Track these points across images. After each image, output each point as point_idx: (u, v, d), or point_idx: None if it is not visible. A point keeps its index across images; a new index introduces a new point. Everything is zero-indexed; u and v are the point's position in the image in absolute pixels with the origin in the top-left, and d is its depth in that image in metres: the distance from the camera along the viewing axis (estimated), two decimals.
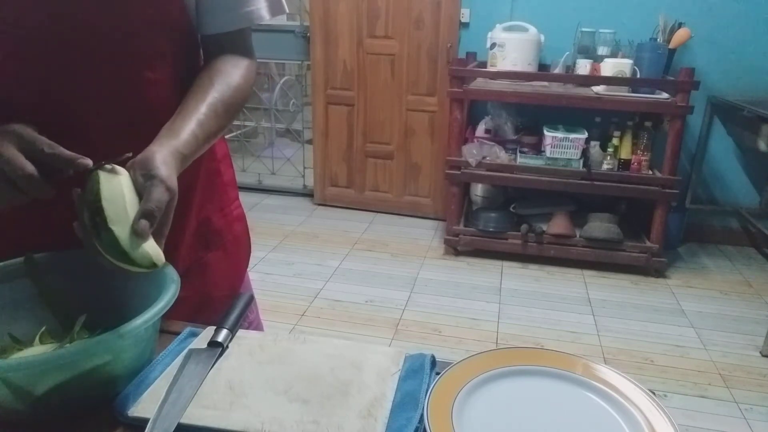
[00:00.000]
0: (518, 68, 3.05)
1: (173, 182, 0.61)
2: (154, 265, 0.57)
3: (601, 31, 3.07)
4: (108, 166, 0.60)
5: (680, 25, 3.00)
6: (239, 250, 0.97)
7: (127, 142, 0.65)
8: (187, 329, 0.73)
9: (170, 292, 0.62)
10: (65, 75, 0.70)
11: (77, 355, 0.55)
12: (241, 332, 0.72)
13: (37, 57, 0.69)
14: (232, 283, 0.96)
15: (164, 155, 0.62)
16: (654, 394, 0.61)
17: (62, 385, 0.55)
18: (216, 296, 0.91)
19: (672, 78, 2.96)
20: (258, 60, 0.86)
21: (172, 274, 0.66)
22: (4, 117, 0.67)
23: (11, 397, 0.55)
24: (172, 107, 0.72)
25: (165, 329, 0.69)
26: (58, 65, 0.69)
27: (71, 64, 0.69)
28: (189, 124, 0.68)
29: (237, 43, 0.80)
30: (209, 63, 0.79)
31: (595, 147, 3.02)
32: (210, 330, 0.71)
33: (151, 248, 0.57)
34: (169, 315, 0.63)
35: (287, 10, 0.85)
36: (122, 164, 0.62)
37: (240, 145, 4.42)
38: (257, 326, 0.99)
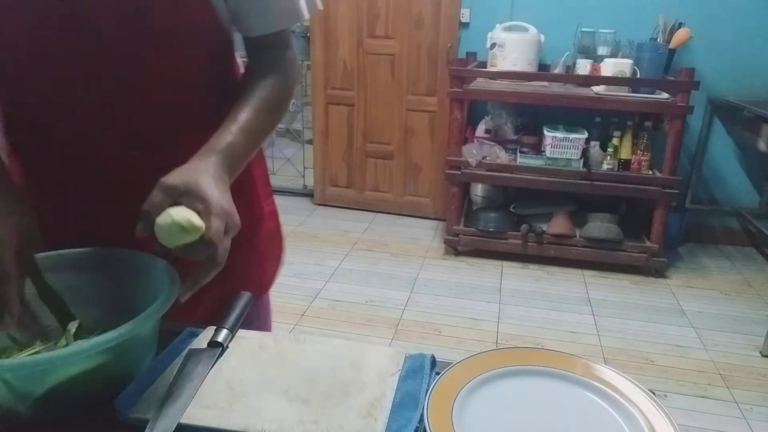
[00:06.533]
0: (518, 68, 3.05)
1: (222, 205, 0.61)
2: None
3: (601, 31, 3.07)
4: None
5: (680, 25, 3.00)
6: (270, 248, 0.97)
7: (156, 146, 0.66)
8: (187, 329, 0.73)
9: (170, 292, 0.62)
10: (90, 82, 0.71)
11: (77, 355, 0.55)
12: (241, 332, 0.72)
13: (63, 63, 0.70)
14: (260, 281, 0.95)
15: (206, 178, 0.62)
16: (654, 394, 0.61)
17: (62, 385, 0.55)
18: (250, 288, 0.91)
19: (672, 78, 2.96)
20: None
21: (173, 274, 0.66)
22: (29, 124, 0.72)
23: (11, 398, 0.55)
24: (202, 111, 0.72)
25: (165, 329, 0.69)
26: (83, 72, 0.70)
27: (95, 70, 0.70)
28: (231, 127, 0.70)
29: (278, 43, 0.80)
30: (250, 66, 0.80)
31: (595, 147, 3.02)
32: (210, 330, 0.71)
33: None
34: (192, 312, 0.63)
35: (321, 7, 0.85)
36: None
37: None
38: (265, 326, 0.99)
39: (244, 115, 0.72)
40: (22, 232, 0.65)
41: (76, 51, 0.69)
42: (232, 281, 0.89)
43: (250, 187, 0.91)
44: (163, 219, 0.57)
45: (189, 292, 0.61)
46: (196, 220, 0.57)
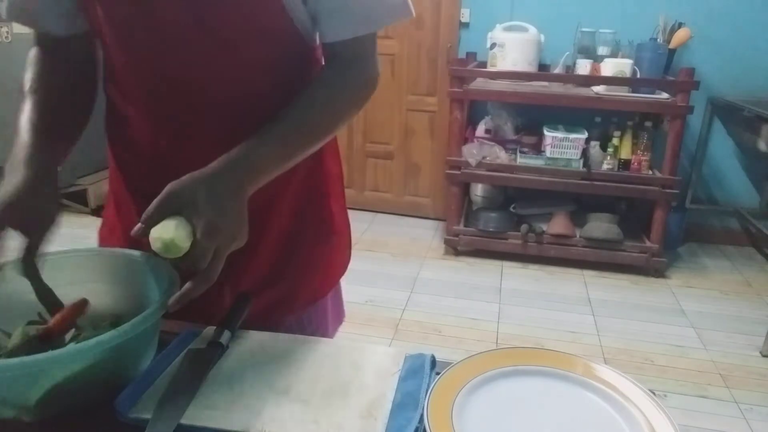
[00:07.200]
0: (518, 68, 3.05)
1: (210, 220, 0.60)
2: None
3: (601, 31, 3.07)
4: None
5: (680, 25, 3.00)
6: (333, 258, 0.93)
7: (232, 142, 0.66)
8: (187, 329, 0.73)
9: (167, 292, 0.62)
10: (166, 82, 0.72)
11: (77, 355, 0.55)
12: (241, 332, 0.72)
13: (144, 62, 0.72)
14: (317, 288, 0.92)
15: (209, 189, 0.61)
16: (654, 394, 0.61)
17: (62, 385, 0.55)
18: (302, 294, 0.89)
19: (672, 78, 2.96)
20: None
21: (172, 274, 0.66)
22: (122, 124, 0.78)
23: (11, 397, 0.55)
24: (276, 112, 0.71)
25: (165, 329, 0.69)
26: (160, 72, 0.72)
27: (170, 71, 0.71)
28: (266, 137, 0.68)
29: (350, 53, 0.75)
30: (316, 75, 0.76)
31: (595, 147, 3.02)
32: (210, 330, 0.71)
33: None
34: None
35: (414, 14, 0.76)
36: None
37: None
38: (320, 331, 0.95)
39: (283, 128, 0.70)
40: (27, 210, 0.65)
41: (154, 50, 0.70)
42: (288, 284, 0.87)
43: (321, 202, 0.89)
44: (155, 231, 0.59)
45: (177, 304, 0.61)
46: (182, 239, 0.58)
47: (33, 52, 0.80)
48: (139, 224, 0.60)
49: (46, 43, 0.79)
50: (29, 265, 0.68)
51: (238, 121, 0.75)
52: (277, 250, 0.85)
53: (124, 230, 0.84)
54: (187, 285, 0.62)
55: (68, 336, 0.66)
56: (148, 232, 0.59)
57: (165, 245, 0.58)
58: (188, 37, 0.69)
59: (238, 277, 0.79)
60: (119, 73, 0.76)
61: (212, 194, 0.61)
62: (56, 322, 0.64)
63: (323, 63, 0.79)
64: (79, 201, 3.59)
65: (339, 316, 1.03)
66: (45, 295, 0.69)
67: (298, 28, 0.73)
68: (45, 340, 0.62)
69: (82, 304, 0.67)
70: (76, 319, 0.66)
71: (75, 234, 3.47)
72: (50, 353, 0.54)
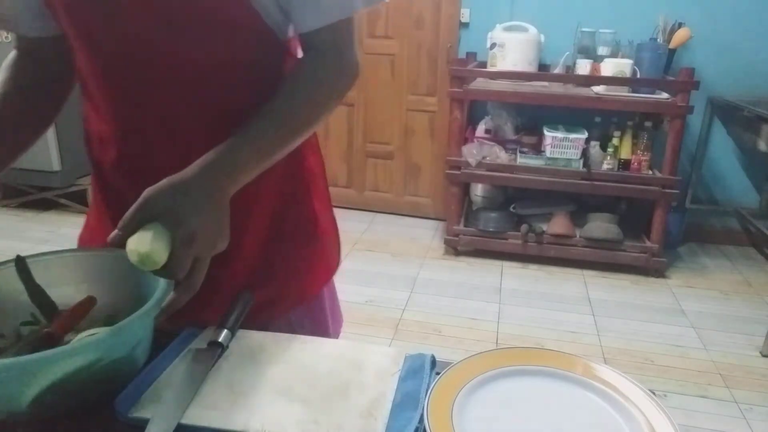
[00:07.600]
0: (518, 68, 3.05)
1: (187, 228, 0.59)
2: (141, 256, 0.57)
3: (601, 31, 3.07)
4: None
5: (680, 25, 3.00)
6: (321, 260, 0.90)
7: (204, 146, 0.65)
8: (187, 329, 0.73)
9: (162, 291, 0.62)
10: (129, 80, 0.71)
11: (66, 356, 0.55)
12: (241, 332, 0.72)
13: (104, 63, 0.71)
14: (304, 289, 0.88)
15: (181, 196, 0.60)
16: (654, 394, 0.61)
17: (61, 385, 0.55)
18: (289, 297, 0.86)
19: (672, 78, 2.96)
20: None
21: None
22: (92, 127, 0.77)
23: (10, 397, 0.55)
24: (249, 112, 0.69)
25: (165, 329, 0.69)
26: (123, 73, 0.71)
27: (134, 70, 0.70)
28: (241, 138, 0.66)
29: (327, 44, 0.73)
30: (292, 69, 0.74)
31: (595, 147, 3.02)
32: (210, 330, 0.71)
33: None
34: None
35: None
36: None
37: None
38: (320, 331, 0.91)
39: (261, 124, 0.68)
40: None
41: (116, 50, 0.69)
42: (272, 288, 0.84)
43: (302, 202, 0.87)
44: (131, 242, 0.57)
45: (164, 316, 0.61)
46: (158, 252, 0.57)
47: (9, 57, 0.80)
48: (115, 231, 0.59)
49: (22, 45, 0.79)
50: (23, 268, 0.68)
51: (209, 121, 0.73)
52: (258, 253, 0.83)
53: (103, 234, 0.83)
54: (171, 296, 0.61)
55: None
56: (124, 240, 0.58)
57: (141, 258, 0.56)
58: (151, 34, 0.68)
59: (219, 281, 0.78)
60: (83, 72, 0.75)
61: (189, 200, 0.60)
62: (64, 319, 0.64)
63: (300, 56, 0.77)
64: (79, 201, 3.59)
65: (338, 321, 1.01)
66: (37, 295, 0.68)
67: (266, 20, 0.71)
68: (51, 339, 0.62)
69: (89, 302, 0.67)
70: (84, 316, 0.66)
71: (75, 234, 3.48)
72: (42, 353, 0.53)
